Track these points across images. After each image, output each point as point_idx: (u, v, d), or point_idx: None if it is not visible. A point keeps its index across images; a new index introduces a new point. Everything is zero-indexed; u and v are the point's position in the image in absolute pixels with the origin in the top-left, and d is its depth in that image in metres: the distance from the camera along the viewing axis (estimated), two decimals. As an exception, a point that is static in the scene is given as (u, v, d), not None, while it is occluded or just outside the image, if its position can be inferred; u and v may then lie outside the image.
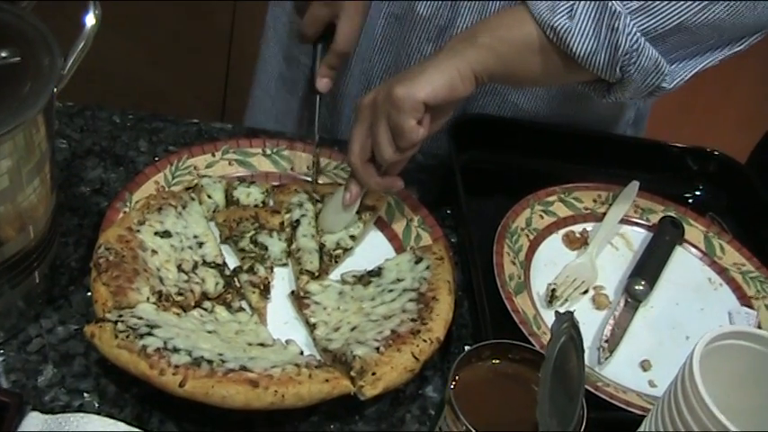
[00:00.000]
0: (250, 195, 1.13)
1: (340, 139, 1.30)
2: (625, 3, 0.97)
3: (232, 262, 1.07)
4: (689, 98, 2.60)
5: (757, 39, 1.05)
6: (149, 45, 2.59)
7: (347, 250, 1.11)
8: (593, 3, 0.97)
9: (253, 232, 1.09)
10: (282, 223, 1.11)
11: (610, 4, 0.96)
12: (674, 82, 1.03)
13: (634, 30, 0.97)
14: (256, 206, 1.13)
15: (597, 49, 0.98)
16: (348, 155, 1.07)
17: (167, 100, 2.61)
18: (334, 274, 1.08)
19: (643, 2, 0.96)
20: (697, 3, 0.97)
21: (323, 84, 1.18)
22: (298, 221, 1.11)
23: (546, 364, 0.74)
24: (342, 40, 1.15)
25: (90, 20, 0.89)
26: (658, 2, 0.97)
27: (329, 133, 1.38)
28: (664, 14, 0.97)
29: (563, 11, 0.98)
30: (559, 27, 0.98)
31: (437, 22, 1.22)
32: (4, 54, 0.84)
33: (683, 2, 0.97)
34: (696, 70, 1.03)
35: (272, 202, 1.14)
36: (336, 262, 1.09)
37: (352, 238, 1.11)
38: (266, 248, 1.07)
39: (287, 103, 1.44)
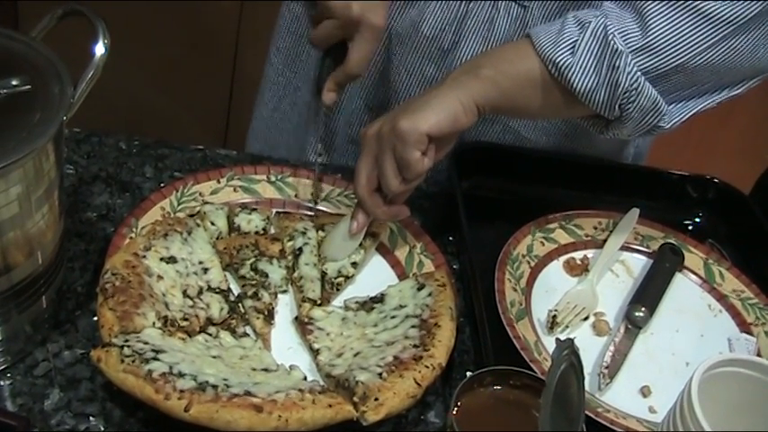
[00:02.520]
0: (251, 222, 1.14)
1: (337, 161, 1.31)
2: (627, 42, 0.98)
3: (235, 288, 1.08)
4: (688, 126, 2.61)
5: (756, 83, 1.06)
6: (153, 72, 2.61)
7: (349, 278, 1.12)
8: (595, 40, 0.98)
9: (253, 259, 1.10)
10: (282, 250, 1.12)
11: (612, 42, 0.97)
12: (672, 122, 1.03)
13: (635, 69, 0.98)
14: (257, 233, 1.14)
15: (597, 86, 0.99)
16: (355, 186, 1.08)
17: (170, 126, 2.63)
18: (338, 300, 1.09)
19: (645, 41, 0.98)
20: (698, 45, 0.98)
21: (329, 97, 1.17)
22: (300, 249, 1.12)
23: (547, 391, 0.74)
24: (355, 64, 1.14)
25: (99, 49, 0.91)
26: (660, 42, 0.98)
27: (325, 146, 1.38)
28: (664, 55, 0.98)
29: (565, 47, 0.99)
30: (561, 63, 0.99)
31: (440, 44, 1.23)
32: (14, 82, 0.86)
33: (683, 44, 0.98)
34: (694, 111, 1.04)
35: (272, 229, 1.16)
36: (338, 290, 1.10)
37: (354, 265, 1.12)
38: (266, 276, 1.08)
39: (294, 123, 1.46)
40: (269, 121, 1.49)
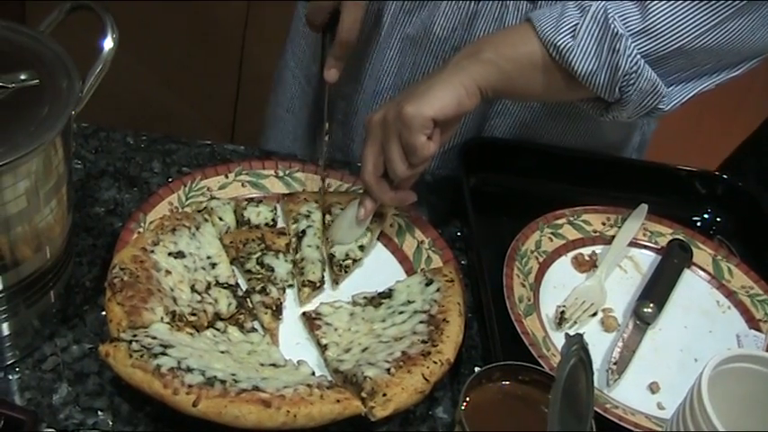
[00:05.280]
0: (260, 214, 1.14)
1: (352, 160, 1.31)
2: (627, 25, 0.99)
3: (242, 283, 1.08)
4: (697, 122, 2.61)
5: (755, 64, 1.08)
6: (161, 67, 2.61)
7: (356, 261, 1.12)
8: (596, 23, 1.00)
9: (259, 254, 1.10)
10: (288, 244, 1.12)
11: (612, 25, 0.99)
12: (671, 104, 1.05)
13: (635, 52, 0.99)
14: (266, 225, 1.14)
15: (598, 69, 1.01)
16: (361, 173, 1.09)
17: (178, 121, 2.63)
18: (346, 296, 1.09)
19: (644, 25, 0.99)
20: (697, 28, 0.99)
21: (330, 74, 1.18)
22: (304, 231, 1.12)
23: (556, 386, 0.74)
24: (343, 30, 1.15)
25: (108, 43, 0.91)
26: (659, 26, 0.99)
27: (342, 151, 1.39)
28: (664, 38, 1.00)
29: (566, 30, 1.01)
30: (562, 46, 1.01)
31: (452, 44, 1.24)
32: (22, 77, 0.86)
33: (683, 26, 0.99)
34: (693, 93, 1.06)
35: (280, 218, 1.16)
36: (347, 272, 1.11)
37: (361, 248, 1.13)
38: (272, 270, 1.08)
39: (306, 123, 1.46)
40: (282, 122, 1.50)
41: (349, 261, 1.11)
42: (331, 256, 1.11)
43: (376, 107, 1.33)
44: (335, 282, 1.09)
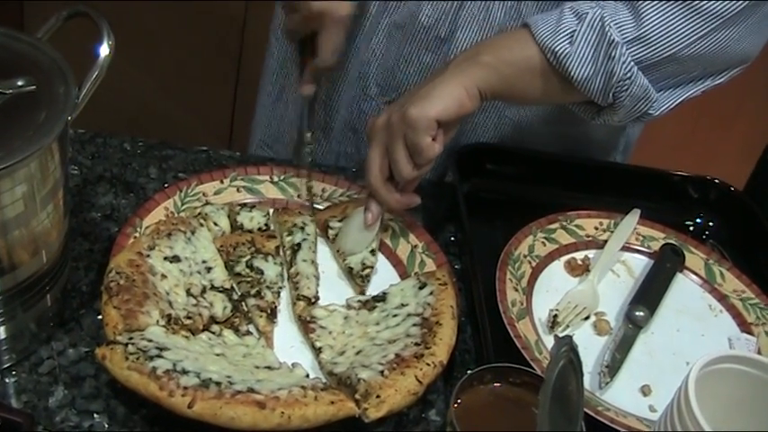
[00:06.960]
0: (253, 219, 1.15)
1: (336, 148, 1.32)
2: (622, 32, 1.02)
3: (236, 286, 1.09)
4: (691, 128, 2.62)
5: (737, 72, 1.11)
6: (158, 73, 2.62)
7: (373, 267, 1.13)
8: (592, 30, 1.02)
9: (248, 257, 1.10)
10: (278, 247, 1.13)
11: (608, 32, 1.01)
12: (661, 109, 1.08)
13: (629, 59, 1.02)
14: (259, 229, 1.15)
15: (594, 74, 1.03)
16: (367, 177, 1.10)
17: (175, 127, 2.64)
18: (340, 299, 1.09)
19: (639, 33, 1.02)
20: (688, 37, 1.02)
21: (307, 89, 1.21)
22: (299, 245, 1.13)
23: (545, 388, 0.75)
24: (324, 57, 1.18)
25: (104, 50, 0.92)
26: (653, 33, 1.02)
27: (323, 131, 1.40)
28: (657, 46, 1.02)
29: (564, 36, 1.03)
30: (560, 51, 1.03)
31: (437, 32, 1.25)
32: (19, 83, 0.87)
33: (675, 35, 1.02)
34: (681, 99, 1.09)
35: (272, 225, 1.16)
36: (368, 281, 1.12)
37: (373, 252, 1.14)
38: (261, 273, 1.09)
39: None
40: (271, 112, 1.51)
41: (368, 270, 1.12)
42: (349, 270, 1.12)
43: (359, 90, 1.34)
44: (362, 292, 1.11)
